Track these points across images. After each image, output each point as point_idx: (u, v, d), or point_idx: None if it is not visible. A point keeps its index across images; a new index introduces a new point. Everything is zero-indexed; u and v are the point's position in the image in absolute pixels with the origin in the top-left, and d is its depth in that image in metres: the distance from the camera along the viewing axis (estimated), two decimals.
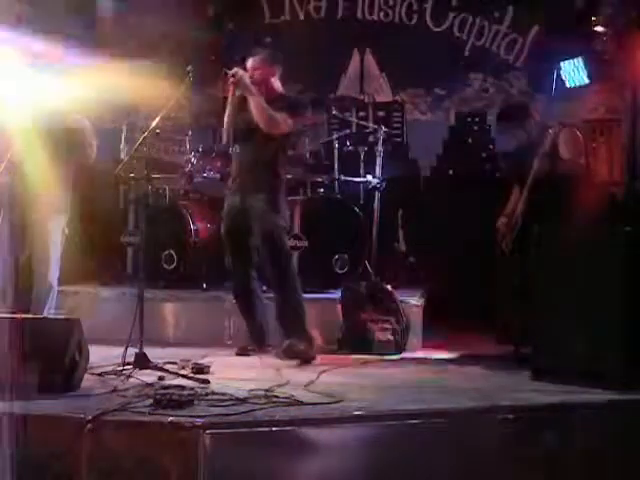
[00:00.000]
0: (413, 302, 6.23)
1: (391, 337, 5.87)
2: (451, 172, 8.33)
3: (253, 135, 5.50)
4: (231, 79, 5.44)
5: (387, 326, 5.88)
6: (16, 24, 6.31)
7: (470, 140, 8.35)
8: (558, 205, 5.38)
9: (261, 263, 5.64)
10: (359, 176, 7.13)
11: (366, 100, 8.42)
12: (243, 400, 4.17)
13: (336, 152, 7.08)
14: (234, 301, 5.87)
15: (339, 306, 6.03)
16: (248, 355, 5.64)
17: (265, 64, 5.60)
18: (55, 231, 5.45)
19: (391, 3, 8.50)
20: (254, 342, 5.72)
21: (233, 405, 4.09)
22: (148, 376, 4.73)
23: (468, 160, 8.30)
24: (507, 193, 5.91)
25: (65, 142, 5.36)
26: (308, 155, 7.11)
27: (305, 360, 5.33)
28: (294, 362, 5.32)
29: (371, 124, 7.70)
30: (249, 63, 5.60)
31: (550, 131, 5.44)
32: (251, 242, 5.59)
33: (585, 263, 4.81)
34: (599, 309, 4.70)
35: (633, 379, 4.54)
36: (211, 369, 5.01)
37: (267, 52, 5.75)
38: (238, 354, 5.68)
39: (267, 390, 4.40)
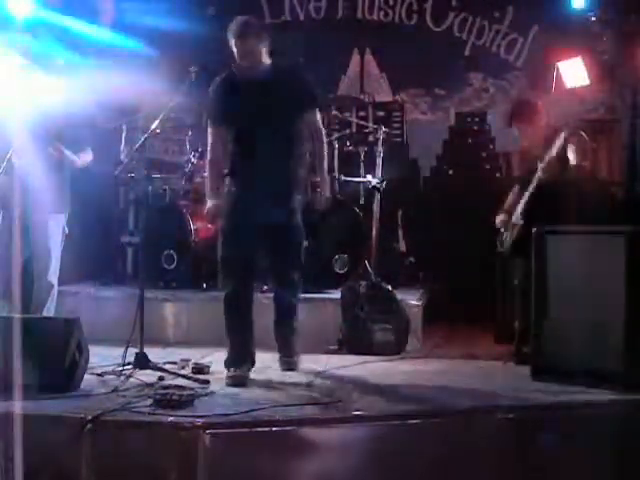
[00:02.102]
0: (413, 302, 6.23)
1: (391, 337, 5.87)
2: (451, 172, 8.33)
3: (278, 128, 4.91)
4: None
5: (387, 326, 5.88)
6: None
7: (470, 140, 8.36)
8: (561, 208, 5.36)
9: (276, 264, 5.12)
10: (359, 176, 7.13)
11: (366, 100, 8.42)
12: (242, 400, 4.18)
13: (336, 152, 7.07)
14: (226, 312, 4.98)
15: (338, 306, 6.03)
16: (245, 386, 4.72)
17: (253, 30, 4.85)
18: (55, 231, 5.46)
19: (391, 3, 8.49)
20: (243, 363, 4.89)
21: (233, 405, 4.09)
22: (148, 376, 4.73)
23: (468, 160, 8.30)
24: (508, 191, 5.91)
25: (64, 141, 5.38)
26: (308, 155, 7.09)
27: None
28: None
29: (371, 124, 7.69)
30: (235, 30, 4.82)
31: (560, 136, 5.38)
32: (259, 243, 4.99)
33: (585, 263, 4.81)
34: (599, 309, 4.71)
35: (634, 379, 4.54)
36: (211, 369, 5.01)
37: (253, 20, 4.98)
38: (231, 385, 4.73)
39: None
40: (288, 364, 5.13)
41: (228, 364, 4.87)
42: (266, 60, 4.96)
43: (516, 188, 5.81)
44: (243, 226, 4.88)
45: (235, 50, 4.87)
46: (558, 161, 5.40)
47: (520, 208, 5.60)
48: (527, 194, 5.55)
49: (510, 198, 5.84)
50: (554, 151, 5.35)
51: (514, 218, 5.64)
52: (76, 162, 5.49)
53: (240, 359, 4.87)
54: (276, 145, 4.92)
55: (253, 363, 4.94)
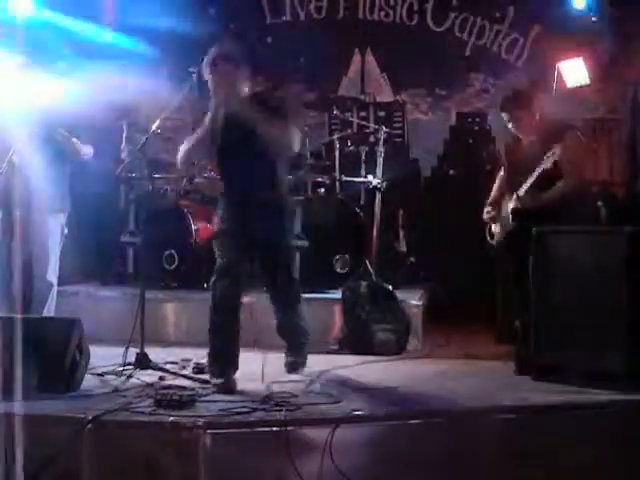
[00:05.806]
0: (413, 302, 6.23)
1: (391, 337, 5.87)
2: (452, 172, 8.35)
3: (250, 149, 4.85)
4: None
5: (388, 326, 5.88)
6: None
7: (471, 140, 8.37)
8: (555, 209, 5.33)
9: (267, 271, 5.17)
10: (360, 176, 7.13)
11: (367, 100, 8.43)
12: (243, 400, 4.18)
13: (337, 152, 7.08)
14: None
15: (339, 306, 6.03)
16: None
17: (230, 63, 4.86)
18: (54, 230, 5.46)
19: (392, 3, 8.50)
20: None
21: (233, 405, 4.09)
22: (149, 376, 4.73)
23: (469, 160, 8.31)
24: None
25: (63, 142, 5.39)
26: (309, 155, 7.11)
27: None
28: None
29: (372, 124, 7.70)
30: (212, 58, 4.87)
31: (567, 134, 5.30)
32: (252, 250, 5.08)
33: (586, 263, 4.81)
34: (600, 309, 4.70)
35: (634, 379, 4.54)
36: None
37: (232, 48, 4.98)
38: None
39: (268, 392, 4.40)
40: (286, 363, 5.12)
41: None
42: (241, 90, 4.87)
43: (499, 180, 5.76)
44: (234, 229, 4.98)
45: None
46: (557, 164, 5.33)
47: (511, 206, 5.50)
48: (522, 191, 5.48)
49: (495, 188, 5.79)
50: (556, 156, 5.26)
51: (504, 213, 5.59)
52: (80, 151, 5.47)
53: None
54: (255, 169, 4.89)
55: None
